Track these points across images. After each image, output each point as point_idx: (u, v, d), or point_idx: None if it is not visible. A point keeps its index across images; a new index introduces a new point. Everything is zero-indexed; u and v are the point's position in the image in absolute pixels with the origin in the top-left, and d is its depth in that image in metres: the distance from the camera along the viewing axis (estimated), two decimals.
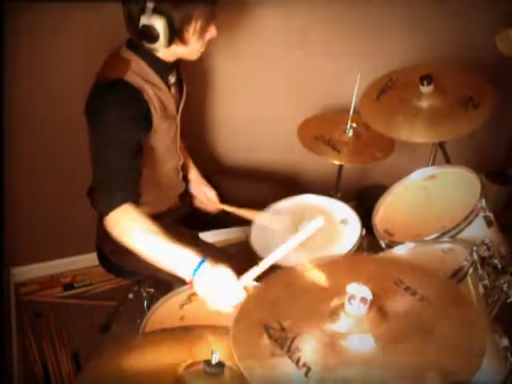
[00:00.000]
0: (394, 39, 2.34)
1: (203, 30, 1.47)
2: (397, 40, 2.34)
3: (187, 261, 1.33)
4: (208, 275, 1.31)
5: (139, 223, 1.39)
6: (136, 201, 1.43)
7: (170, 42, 1.42)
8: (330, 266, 1.21)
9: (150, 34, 1.39)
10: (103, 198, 1.44)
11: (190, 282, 1.32)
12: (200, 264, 1.31)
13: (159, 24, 1.38)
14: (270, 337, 1.00)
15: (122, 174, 1.44)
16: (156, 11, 1.37)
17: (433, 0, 2.31)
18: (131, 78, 1.46)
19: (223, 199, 1.85)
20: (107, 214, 1.40)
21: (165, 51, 1.49)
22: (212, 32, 1.50)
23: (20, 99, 1.88)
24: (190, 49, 1.50)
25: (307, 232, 1.35)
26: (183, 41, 1.46)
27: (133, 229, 1.39)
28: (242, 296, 1.29)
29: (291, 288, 1.14)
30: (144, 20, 1.37)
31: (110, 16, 1.68)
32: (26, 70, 1.85)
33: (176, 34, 1.43)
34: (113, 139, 1.43)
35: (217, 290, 1.30)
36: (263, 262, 1.35)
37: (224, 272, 1.31)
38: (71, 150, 2.03)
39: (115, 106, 1.43)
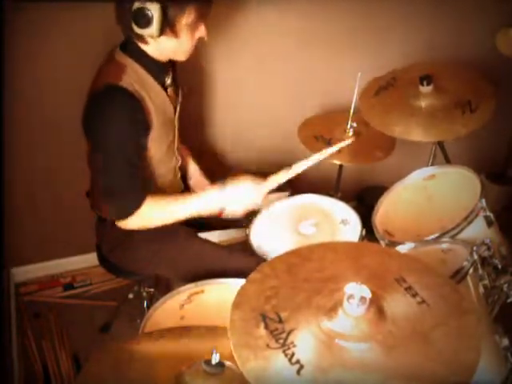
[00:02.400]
0: (394, 39, 2.34)
1: (194, 26, 1.48)
2: (397, 39, 2.34)
3: (209, 202, 1.55)
4: (231, 198, 1.55)
5: (163, 209, 1.54)
6: (146, 194, 1.51)
7: (162, 30, 1.42)
8: (332, 255, 1.20)
9: (143, 18, 1.39)
10: (118, 204, 1.50)
11: (220, 213, 1.58)
12: (219, 197, 1.55)
13: (153, 8, 1.38)
14: (267, 327, 1.00)
15: (131, 178, 1.49)
16: None
17: None
18: (127, 83, 1.45)
19: None
20: (127, 217, 1.50)
21: (155, 46, 1.49)
22: (202, 31, 1.51)
23: (20, 99, 1.88)
24: (179, 43, 1.49)
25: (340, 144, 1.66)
26: (174, 32, 1.46)
27: (162, 215, 1.54)
28: (261, 198, 1.57)
29: (292, 274, 1.13)
30: (138, 3, 1.38)
31: (110, 16, 1.68)
32: (25, 70, 1.85)
33: (168, 23, 1.42)
34: (115, 146, 1.46)
35: (244, 200, 1.56)
36: (292, 168, 1.60)
37: (243, 184, 1.55)
38: (71, 150, 2.03)
39: (114, 113, 1.45)
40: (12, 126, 1.86)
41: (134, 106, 1.46)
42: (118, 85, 1.44)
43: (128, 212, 1.50)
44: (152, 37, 1.45)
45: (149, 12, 1.38)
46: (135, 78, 1.48)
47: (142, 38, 1.47)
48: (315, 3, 2.12)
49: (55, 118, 1.98)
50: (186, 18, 1.44)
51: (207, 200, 1.56)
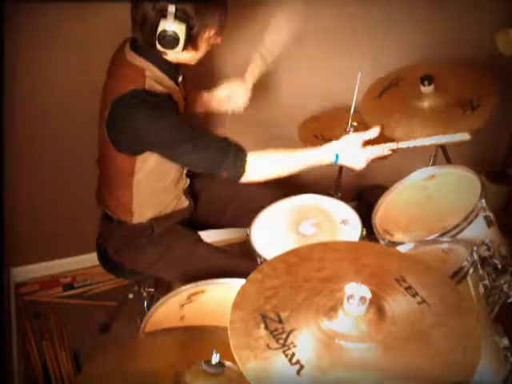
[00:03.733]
0: (395, 38, 2.34)
1: (213, 38, 1.48)
2: (397, 39, 2.34)
3: (324, 153, 1.59)
4: (345, 150, 1.59)
5: (271, 157, 1.58)
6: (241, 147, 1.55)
7: (185, 47, 1.42)
8: (332, 255, 1.20)
9: (170, 40, 1.38)
10: (228, 168, 1.52)
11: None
12: (334, 148, 1.59)
13: (181, 30, 1.36)
14: (267, 327, 1.00)
15: (214, 139, 1.54)
16: (178, 17, 1.36)
17: None
18: (150, 86, 1.46)
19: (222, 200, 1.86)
20: (243, 174, 1.53)
21: (173, 56, 1.48)
22: (217, 40, 1.51)
23: (21, 99, 1.88)
24: (196, 54, 1.50)
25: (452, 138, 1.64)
26: (196, 47, 1.46)
27: (273, 162, 1.58)
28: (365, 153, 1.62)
29: (292, 274, 1.13)
30: (164, 25, 1.36)
31: (112, 17, 1.69)
32: (26, 70, 1.85)
33: (191, 41, 1.42)
34: (180, 129, 1.48)
35: (357, 152, 1.61)
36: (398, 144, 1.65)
37: (352, 138, 1.62)
38: (71, 150, 2.04)
39: (153, 106, 1.44)
40: (13, 125, 1.86)
41: (165, 96, 1.48)
42: (143, 89, 1.45)
43: (240, 170, 1.52)
44: (174, 52, 1.44)
45: (175, 35, 1.37)
46: (155, 78, 1.48)
47: (162, 51, 1.46)
48: (315, 4, 2.12)
49: (57, 118, 1.98)
50: (207, 33, 1.44)
51: (317, 151, 1.60)
